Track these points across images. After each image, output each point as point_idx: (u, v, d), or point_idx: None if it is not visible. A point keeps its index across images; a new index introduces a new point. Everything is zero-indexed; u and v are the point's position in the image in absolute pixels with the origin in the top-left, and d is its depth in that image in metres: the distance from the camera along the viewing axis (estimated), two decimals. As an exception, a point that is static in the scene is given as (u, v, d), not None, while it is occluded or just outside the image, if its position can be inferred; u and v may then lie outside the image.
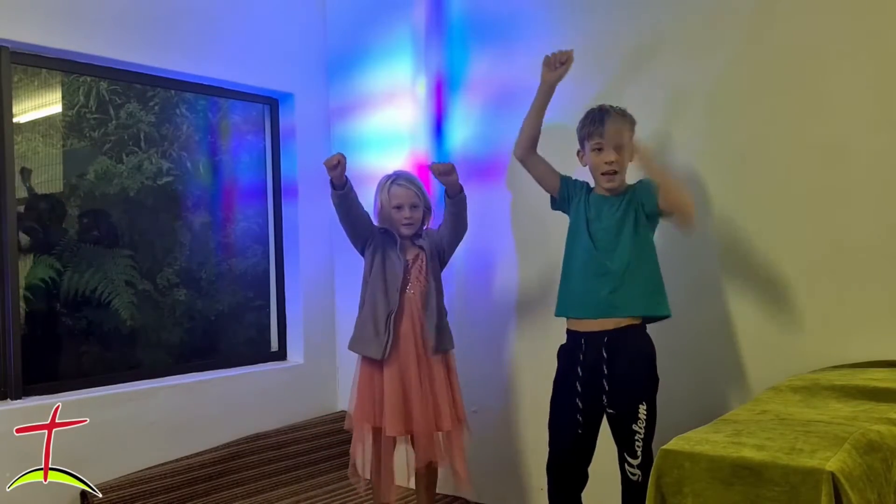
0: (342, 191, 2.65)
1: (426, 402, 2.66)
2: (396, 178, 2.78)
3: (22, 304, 3.02)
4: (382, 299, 2.68)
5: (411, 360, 2.67)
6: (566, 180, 2.44)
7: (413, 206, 2.74)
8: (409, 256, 2.76)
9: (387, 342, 2.64)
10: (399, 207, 2.73)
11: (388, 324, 2.65)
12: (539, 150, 2.48)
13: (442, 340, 2.71)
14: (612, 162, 2.24)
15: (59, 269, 3.22)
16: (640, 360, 2.21)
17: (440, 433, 2.72)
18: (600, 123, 2.25)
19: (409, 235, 2.76)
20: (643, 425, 2.17)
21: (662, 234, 2.34)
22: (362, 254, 2.80)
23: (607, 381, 2.22)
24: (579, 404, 2.27)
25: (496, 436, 3.16)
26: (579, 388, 2.27)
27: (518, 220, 3.10)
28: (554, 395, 2.37)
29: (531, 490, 3.05)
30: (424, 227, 2.83)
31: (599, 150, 2.26)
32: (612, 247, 2.25)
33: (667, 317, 2.28)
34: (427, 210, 2.82)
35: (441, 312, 2.74)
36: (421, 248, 2.76)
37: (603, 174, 2.27)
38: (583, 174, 2.43)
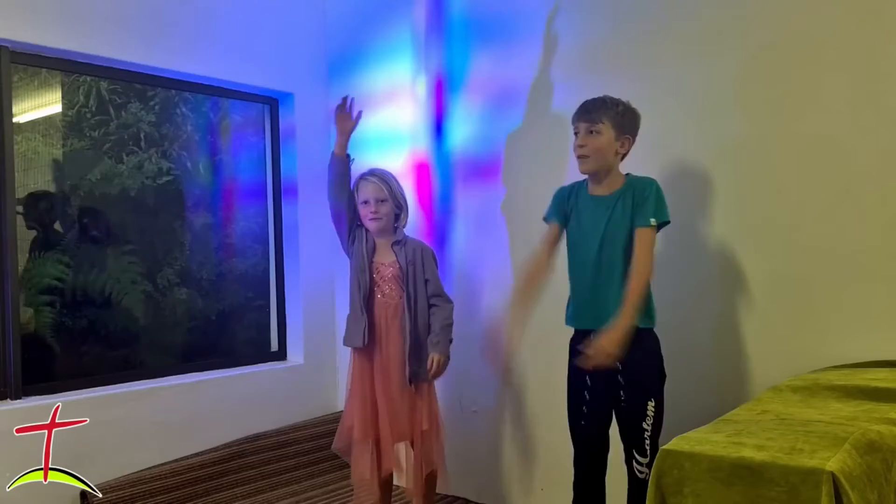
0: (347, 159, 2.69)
1: (384, 410, 2.66)
2: (364, 175, 2.75)
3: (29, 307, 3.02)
4: (356, 290, 2.72)
5: (378, 365, 2.69)
6: (556, 208, 2.38)
7: (380, 201, 2.69)
8: (385, 260, 2.72)
9: (364, 329, 2.66)
10: (365, 202, 2.70)
11: (364, 311, 2.68)
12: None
13: (418, 371, 2.68)
14: (580, 146, 2.26)
15: (65, 269, 3.21)
16: (646, 357, 2.20)
17: (403, 442, 2.73)
18: (577, 111, 2.29)
19: (376, 231, 2.72)
20: (651, 422, 2.18)
21: (662, 234, 2.34)
22: (349, 251, 2.77)
23: (622, 376, 2.22)
24: (587, 396, 2.29)
25: (496, 436, 3.16)
26: (589, 383, 2.28)
27: (517, 219, 3.10)
28: (569, 389, 2.37)
29: (531, 490, 3.05)
30: (399, 227, 2.78)
31: (575, 134, 2.29)
32: (599, 254, 2.24)
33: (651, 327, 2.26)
34: (399, 207, 2.76)
35: (420, 338, 2.69)
36: (397, 255, 2.71)
37: (577, 157, 2.29)
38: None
